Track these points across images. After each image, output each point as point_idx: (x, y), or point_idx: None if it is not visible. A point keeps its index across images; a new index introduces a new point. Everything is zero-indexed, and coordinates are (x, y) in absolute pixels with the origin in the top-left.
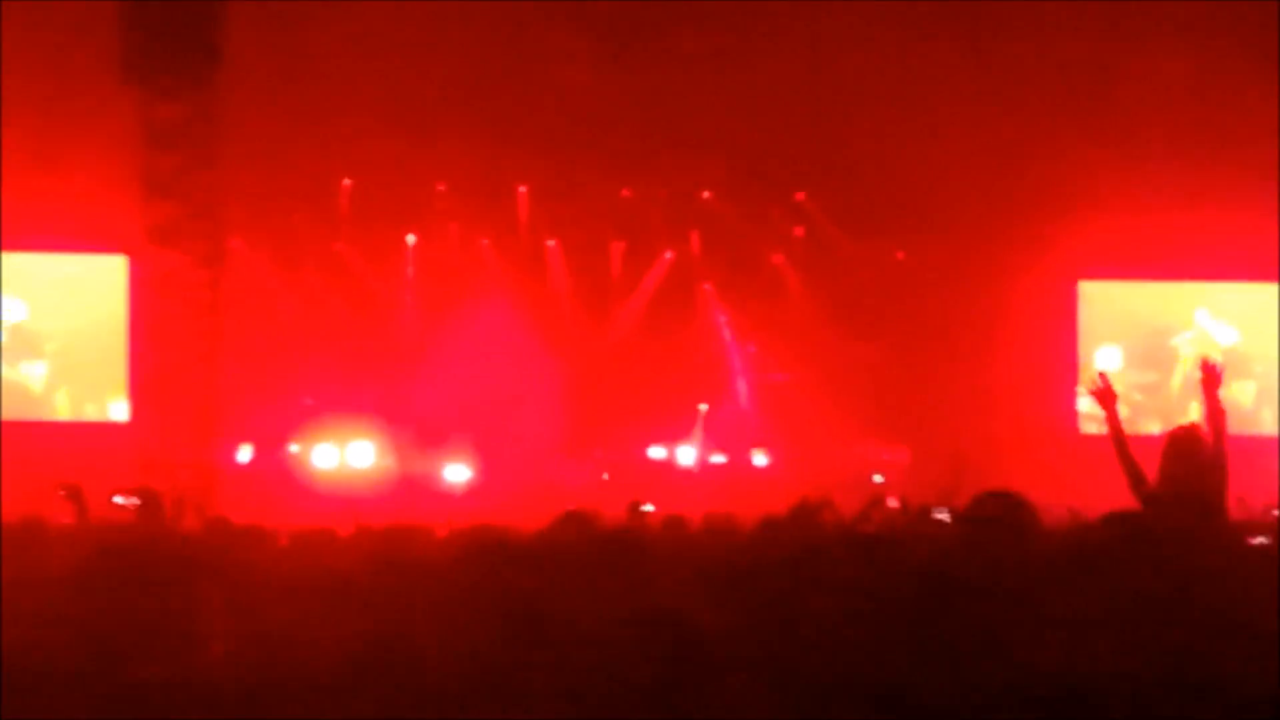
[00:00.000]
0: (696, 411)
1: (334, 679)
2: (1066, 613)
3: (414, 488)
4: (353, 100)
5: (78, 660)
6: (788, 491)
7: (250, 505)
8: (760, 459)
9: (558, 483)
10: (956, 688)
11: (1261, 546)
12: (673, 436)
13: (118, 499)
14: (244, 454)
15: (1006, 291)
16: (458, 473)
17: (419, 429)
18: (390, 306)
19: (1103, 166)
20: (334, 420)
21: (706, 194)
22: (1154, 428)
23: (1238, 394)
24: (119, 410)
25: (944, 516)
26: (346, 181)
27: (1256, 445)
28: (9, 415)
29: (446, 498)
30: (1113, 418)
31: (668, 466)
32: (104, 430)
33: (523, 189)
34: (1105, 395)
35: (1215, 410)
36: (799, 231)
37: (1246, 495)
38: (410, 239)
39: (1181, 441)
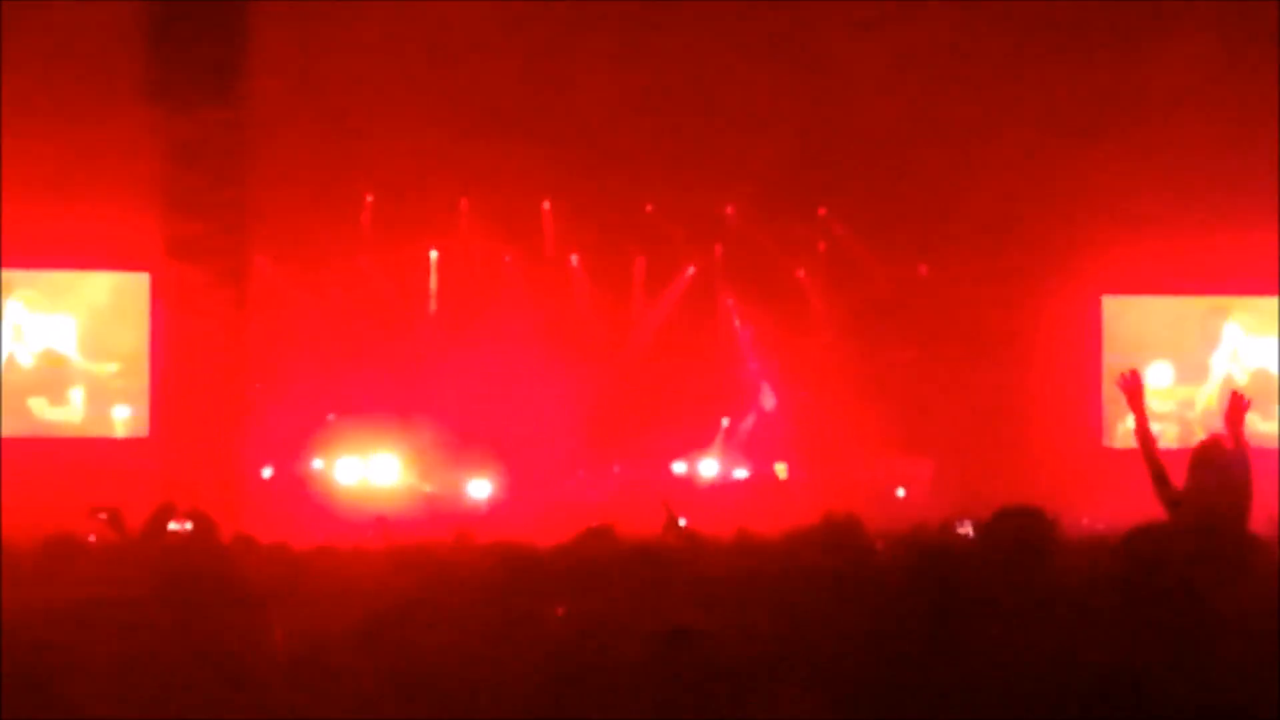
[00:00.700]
0: (719, 425)
1: (365, 696)
2: (1087, 626)
3: (437, 503)
4: (376, 116)
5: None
6: (811, 505)
7: (274, 522)
8: (782, 472)
9: (580, 497)
10: (975, 701)
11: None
12: (694, 450)
13: (173, 525)
14: (267, 471)
15: (1029, 305)
16: (481, 488)
17: (442, 444)
18: (413, 321)
19: (1126, 180)
20: (357, 436)
21: (729, 209)
22: (1173, 443)
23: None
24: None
25: (967, 530)
26: (369, 197)
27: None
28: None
29: (470, 513)
30: (1140, 414)
31: (689, 481)
32: (122, 446)
33: (546, 204)
34: (1133, 388)
35: (1240, 437)
36: (821, 246)
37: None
38: (433, 254)
39: (1209, 451)
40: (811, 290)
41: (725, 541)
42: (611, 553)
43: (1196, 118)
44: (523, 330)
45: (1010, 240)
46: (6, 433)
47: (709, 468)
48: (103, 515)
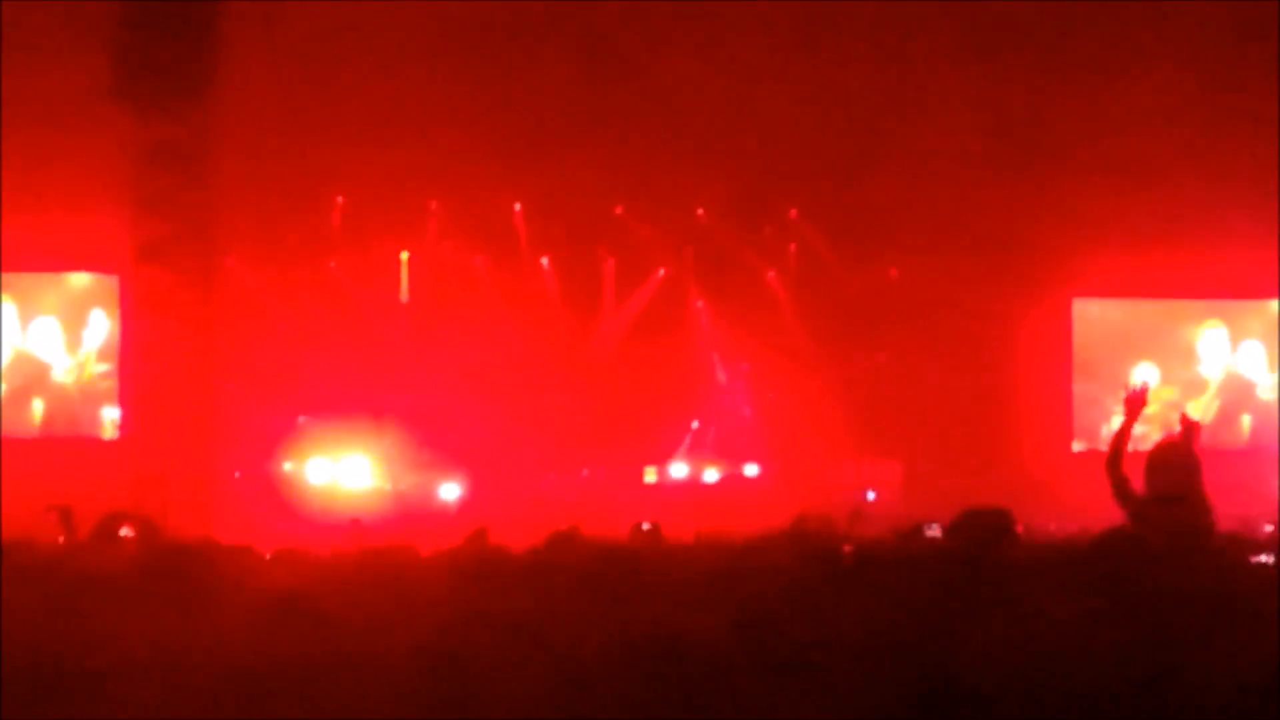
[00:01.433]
0: (688, 428)
1: (326, 700)
2: (1056, 625)
3: (407, 505)
4: (346, 117)
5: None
6: (780, 507)
7: (243, 523)
8: (751, 473)
9: (550, 500)
10: (941, 703)
11: (1261, 565)
12: (664, 453)
13: (125, 531)
14: (237, 472)
15: (1000, 309)
16: (450, 490)
17: (412, 446)
18: (383, 323)
19: (1097, 184)
20: (328, 437)
21: (700, 211)
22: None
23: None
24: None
25: (935, 533)
26: (339, 199)
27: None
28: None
29: (439, 515)
30: (1127, 427)
31: (659, 483)
32: (92, 447)
33: (517, 206)
34: (1136, 403)
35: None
36: (792, 248)
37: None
38: (404, 256)
39: (1165, 453)
40: (782, 292)
41: (691, 544)
42: (578, 556)
43: (1167, 124)
44: (493, 332)
45: (981, 244)
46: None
47: (678, 470)
48: (54, 514)
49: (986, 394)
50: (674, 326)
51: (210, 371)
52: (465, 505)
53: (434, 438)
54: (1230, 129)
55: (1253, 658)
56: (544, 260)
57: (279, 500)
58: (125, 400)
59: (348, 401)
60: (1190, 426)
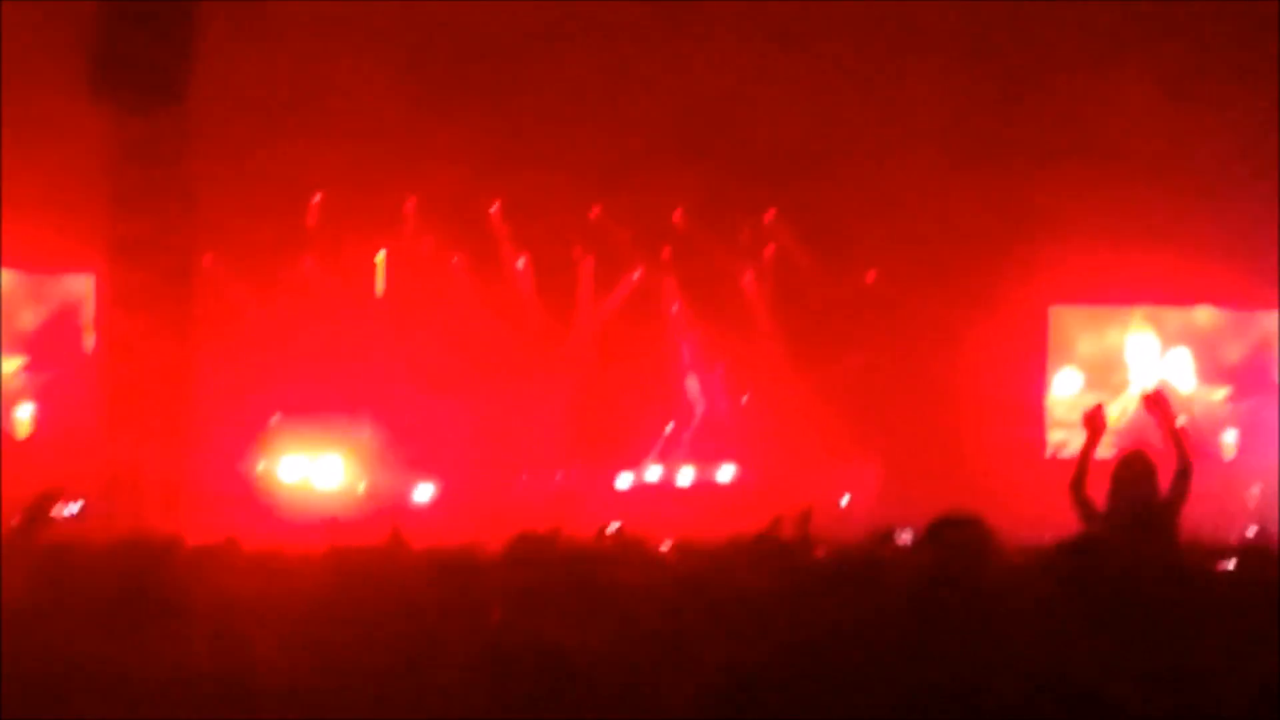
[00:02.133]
0: (663, 430)
1: (300, 699)
2: (1026, 632)
3: (380, 505)
4: (323, 116)
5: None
6: (756, 510)
7: (217, 521)
8: (726, 476)
9: (523, 501)
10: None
11: (1226, 571)
12: (640, 454)
13: (66, 509)
14: (212, 470)
15: (977, 314)
16: (424, 490)
17: (386, 445)
18: (359, 322)
19: (1076, 191)
20: (302, 436)
21: (677, 212)
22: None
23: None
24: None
25: (906, 539)
26: (317, 197)
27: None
28: None
29: (413, 515)
30: (1090, 448)
31: (634, 486)
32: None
33: (494, 206)
34: (1096, 424)
35: (1175, 433)
36: (769, 251)
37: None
38: (380, 255)
39: (1131, 465)
40: (759, 295)
41: (664, 548)
42: (549, 559)
43: (1144, 131)
44: (469, 331)
45: (959, 249)
46: None
47: (653, 472)
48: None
49: (963, 398)
50: (651, 327)
51: (186, 370)
52: (438, 505)
53: (409, 437)
54: (1215, 136)
55: (1217, 665)
56: (521, 260)
57: (252, 499)
58: (100, 397)
59: (323, 400)
60: (1158, 402)
